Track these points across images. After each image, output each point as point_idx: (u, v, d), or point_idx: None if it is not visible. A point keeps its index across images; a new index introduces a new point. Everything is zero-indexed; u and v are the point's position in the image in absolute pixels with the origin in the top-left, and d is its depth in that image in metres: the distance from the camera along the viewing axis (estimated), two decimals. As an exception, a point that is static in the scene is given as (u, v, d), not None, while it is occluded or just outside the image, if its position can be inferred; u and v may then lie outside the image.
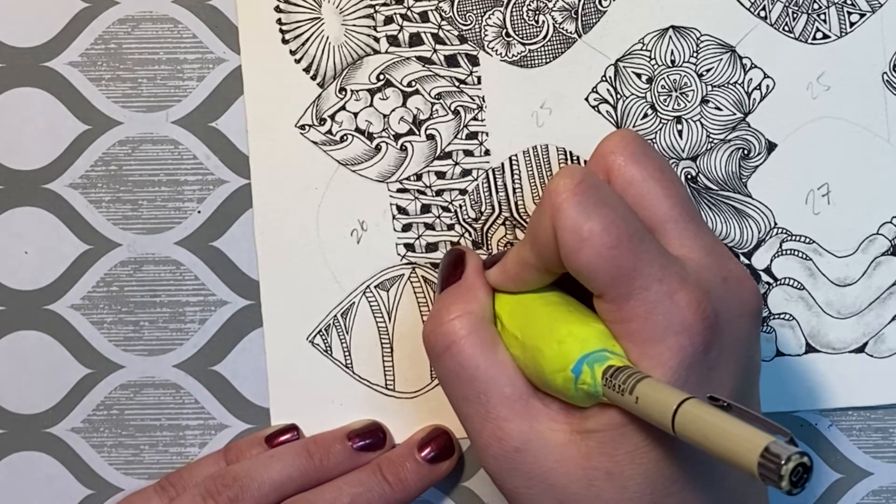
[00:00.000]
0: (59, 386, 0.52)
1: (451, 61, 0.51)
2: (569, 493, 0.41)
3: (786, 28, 0.51)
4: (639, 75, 0.51)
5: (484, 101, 0.51)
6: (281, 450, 0.49)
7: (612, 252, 0.39)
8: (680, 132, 0.51)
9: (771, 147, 0.51)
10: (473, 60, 0.51)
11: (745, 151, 0.51)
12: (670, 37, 0.51)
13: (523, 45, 0.51)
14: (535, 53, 0.51)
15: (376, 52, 0.51)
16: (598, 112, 0.51)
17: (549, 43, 0.51)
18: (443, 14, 0.51)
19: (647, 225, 0.41)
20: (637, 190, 0.42)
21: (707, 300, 0.40)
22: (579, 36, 0.51)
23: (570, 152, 0.51)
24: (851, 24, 0.50)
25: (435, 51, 0.51)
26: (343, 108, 0.51)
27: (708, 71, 0.51)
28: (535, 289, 0.44)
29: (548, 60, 0.51)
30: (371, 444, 0.50)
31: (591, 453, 0.40)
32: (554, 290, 0.44)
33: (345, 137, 0.51)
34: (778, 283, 0.51)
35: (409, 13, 0.51)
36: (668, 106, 0.51)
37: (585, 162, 0.51)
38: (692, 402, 0.35)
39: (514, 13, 0.51)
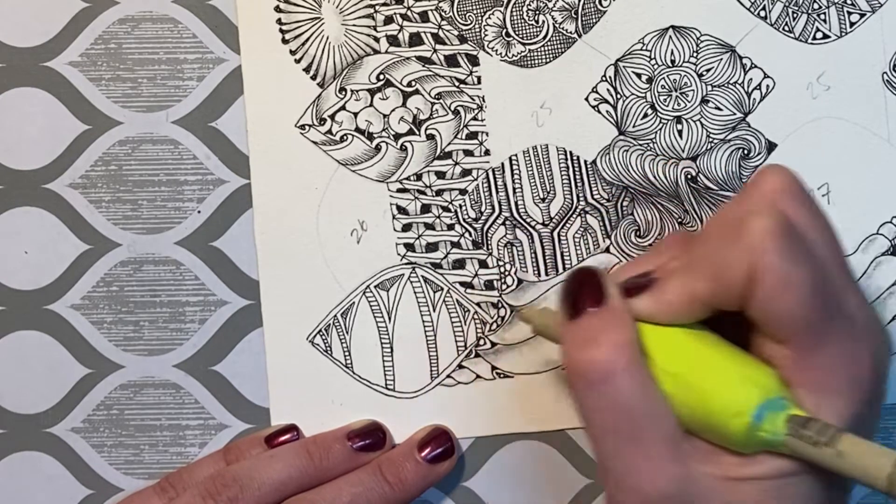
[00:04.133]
0: (59, 386, 0.52)
1: (451, 61, 0.51)
2: None
3: (786, 28, 0.51)
4: (639, 75, 0.51)
5: (484, 101, 0.51)
6: (281, 450, 0.49)
7: (814, 302, 0.38)
8: (680, 132, 0.51)
9: (771, 147, 0.51)
10: (473, 60, 0.51)
11: (745, 151, 0.51)
12: (670, 37, 0.51)
13: (523, 45, 0.51)
14: (535, 53, 0.51)
15: (376, 52, 0.51)
16: (598, 112, 0.51)
17: (549, 43, 0.51)
18: (443, 14, 0.51)
19: None
20: (805, 233, 0.40)
21: (873, 353, 0.40)
22: (579, 36, 0.51)
23: (570, 152, 0.51)
24: (851, 24, 0.50)
25: (435, 51, 0.51)
26: (343, 108, 0.51)
27: (708, 71, 0.51)
28: (684, 323, 0.41)
29: (548, 60, 0.51)
30: (371, 445, 0.50)
31: (748, 500, 0.39)
32: (702, 326, 0.41)
33: (345, 137, 0.51)
34: (778, 283, 0.51)
35: (409, 13, 0.51)
36: (668, 106, 0.51)
37: (581, 160, 0.51)
38: None
39: (514, 13, 0.51)
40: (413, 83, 0.51)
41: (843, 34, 0.50)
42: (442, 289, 0.51)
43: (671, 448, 0.40)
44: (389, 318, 0.51)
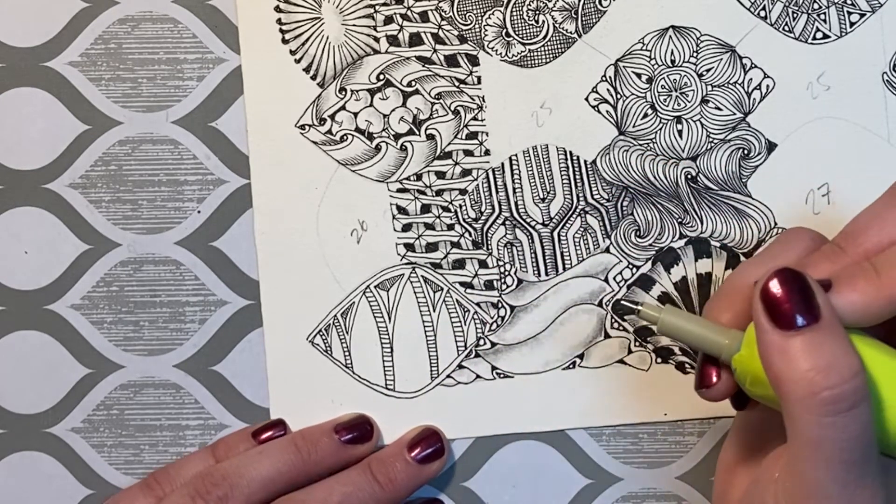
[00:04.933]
0: (59, 386, 0.52)
1: (451, 61, 0.51)
2: None
3: (786, 28, 0.51)
4: (639, 75, 0.51)
5: (484, 101, 0.51)
6: (269, 445, 0.49)
7: None
8: (680, 132, 0.51)
9: (771, 147, 0.51)
10: (473, 60, 0.51)
11: (745, 151, 0.51)
12: (670, 37, 0.51)
13: (523, 45, 0.51)
14: (535, 53, 0.51)
15: (376, 52, 0.51)
16: (598, 112, 0.51)
17: (549, 43, 0.51)
18: (443, 14, 0.51)
19: None
20: None
21: None
22: (579, 36, 0.51)
23: (570, 152, 0.51)
24: (851, 24, 0.50)
25: (435, 51, 0.51)
26: (343, 108, 0.51)
27: (708, 71, 0.51)
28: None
29: (548, 60, 0.51)
30: (358, 437, 0.50)
31: None
32: (864, 332, 0.40)
33: (345, 137, 0.51)
34: (778, 283, 0.51)
35: (409, 13, 0.51)
36: (668, 106, 0.51)
37: (581, 160, 0.51)
38: None
39: (514, 13, 0.51)
40: (413, 83, 0.51)
41: (843, 34, 0.50)
42: (442, 289, 0.51)
43: (884, 475, 0.39)
44: (389, 318, 0.51)
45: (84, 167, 0.51)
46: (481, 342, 0.51)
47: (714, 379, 0.42)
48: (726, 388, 0.42)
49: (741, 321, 0.41)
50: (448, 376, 0.51)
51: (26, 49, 0.51)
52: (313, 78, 0.51)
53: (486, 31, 0.51)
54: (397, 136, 0.51)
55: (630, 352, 0.51)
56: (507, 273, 0.51)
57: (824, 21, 0.50)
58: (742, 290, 0.41)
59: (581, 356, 0.51)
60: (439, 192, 0.51)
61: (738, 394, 0.43)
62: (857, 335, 0.39)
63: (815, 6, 0.50)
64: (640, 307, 0.42)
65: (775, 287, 0.39)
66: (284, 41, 0.51)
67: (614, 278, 0.51)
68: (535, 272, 0.51)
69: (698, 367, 0.42)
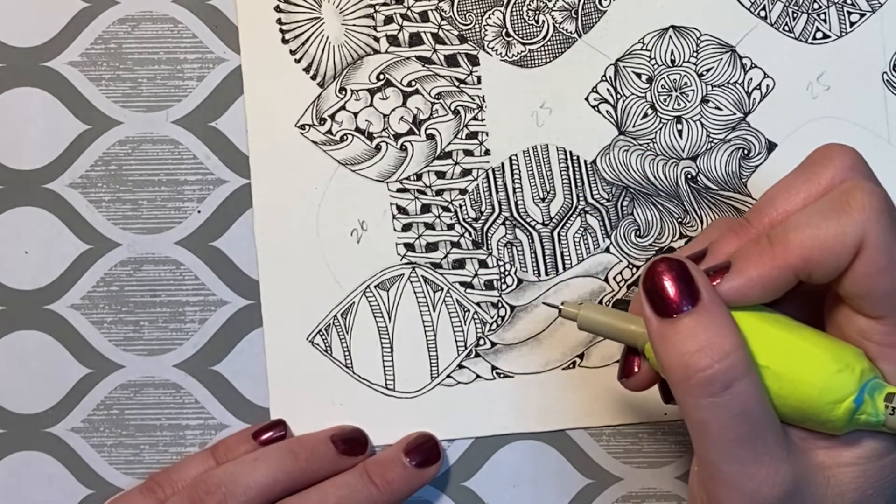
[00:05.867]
0: (59, 386, 0.52)
1: (451, 61, 0.51)
2: None
3: (786, 28, 0.51)
4: (639, 75, 0.51)
5: (484, 101, 0.51)
6: (265, 451, 0.49)
7: None
8: (680, 132, 0.51)
9: (771, 147, 0.51)
10: (473, 60, 0.51)
11: (745, 151, 0.51)
12: (670, 37, 0.51)
13: (523, 45, 0.51)
14: (535, 53, 0.51)
15: (376, 51, 0.51)
16: (598, 112, 0.51)
17: (549, 43, 0.51)
18: (443, 14, 0.51)
19: None
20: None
21: None
22: (579, 36, 0.51)
23: (570, 152, 0.51)
24: (851, 24, 0.50)
25: (435, 51, 0.51)
26: (343, 107, 0.51)
27: (708, 71, 0.51)
28: (758, 304, 0.40)
29: (548, 60, 0.51)
30: (353, 449, 0.50)
31: (849, 485, 0.40)
32: (769, 308, 0.41)
33: (345, 137, 0.51)
34: (778, 283, 0.51)
35: (409, 13, 0.51)
36: (668, 106, 0.51)
37: (581, 160, 0.51)
38: None
39: (514, 13, 0.51)
40: (413, 83, 0.51)
41: (843, 34, 0.50)
42: (442, 289, 0.51)
43: (783, 448, 0.39)
44: (389, 318, 0.51)
45: (84, 167, 0.51)
46: (481, 342, 0.51)
47: (635, 369, 0.43)
48: (645, 378, 0.43)
49: None
50: (448, 376, 0.51)
51: (26, 49, 0.51)
52: (313, 78, 0.51)
53: (486, 31, 0.51)
54: (397, 136, 0.51)
55: (630, 352, 0.51)
56: (507, 273, 0.51)
57: (824, 21, 0.50)
58: None
59: (581, 356, 0.51)
60: (439, 192, 0.51)
61: (665, 387, 0.43)
62: (758, 312, 0.40)
63: (815, 6, 0.50)
64: (560, 306, 0.43)
65: (654, 276, 0.40)
66: (284, 41, 0.51)
67: (614, 278, 0.51)
68: (535, 272, 0.51)
69: (621, 357, 0.44)
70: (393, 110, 0.51)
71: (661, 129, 0.51)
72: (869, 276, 0.38)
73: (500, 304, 0.51)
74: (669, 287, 0.39)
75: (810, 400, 0.39)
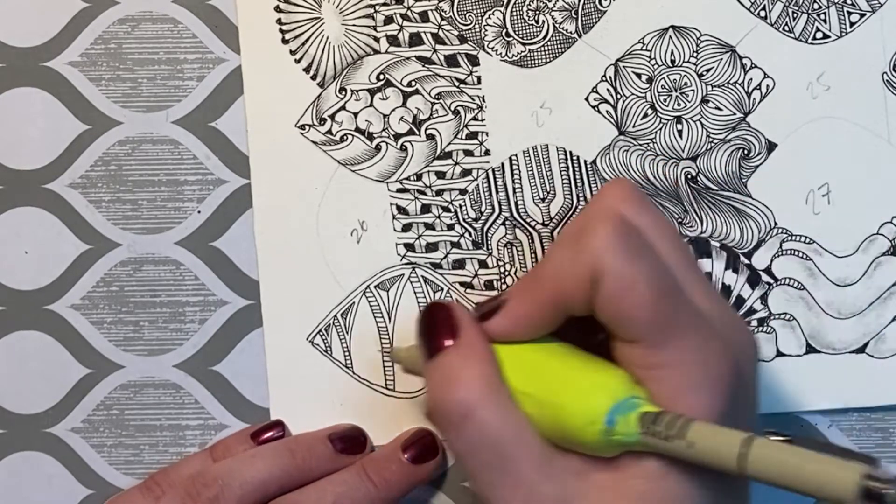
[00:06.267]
0: (59, 386, 0.52)
1: (451, 61, 0.51)
2: None
3: (786, 28, 0.51)
4: (639, 75, 0.51)
5: (484, 101, 0.51)
6: (263, 448, 0.49)
7: (656, 300, 0.39)
8: (680, 132, 0.51)
9: (771, 147, 0.51)
10: (473, 60, 0.51)
11: (745, 151, 0.51)
12: (670, 37, 0.51)
13: (523, 45, 0.51)
14: (535, 53, 0.51)
15: (376, 52, 0.51)
16: (598, 112, 0.51)
17: (549, 43, 0.51)
18: (443, 14, 0.51)
19: None
20: (651, 240, 0.41)
21: (731, 350, 0.40)
22: (579, 36, 0.51)
23: (570, 152, 0.51)
24: (851, 24, 0.50)
25: (435, 51, 0.51)
26: (343, 108, 0.51)
27: (708, 71, 0.51)
28: (535, 338, 0.42)
29: (548, 60, 0.51)
30: (351, 448, 0.50)
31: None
32: (552, 339, 0.42)
33: (345, 137, 0.51)
34: (778, 283, 0.51)
35: (409, 13, 0.51)
36: (668, 106, 0.51)
37: (581, 160, 0.51)
38: (760, 440, 0.35)
39: (514, 13, 0.51)
40: (413, 83, 0.51)
41: (843, 34, 0.50)
42: (442, 289, 0.51)
43: (542, 470, 0.40)
44: (389, 318, 0.51)
45: (84, 167, 0.51)
46: (481, 342, 0.51)
47: None
48: None
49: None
50: (448, 376, 0.51)
51: (26, 49, 0.51)
52: (313, 78, 0.51)
53: (486, 31, 0.51)
54: (397, 136, 0.51)
55: (630, 352, 0.51)
56: (507, 273, 0.51)
57: (824, 21, 0.51)
58: None
59: (581, 356, 0.51)
60: (439, 192, 0.51)
61: None
62: (535, 343, 0.42)
63: (815, 6, 0.50)
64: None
65: (421, 321, 0.43)
66: (284, 41, 0.51)
67: (614, 278, 0.51)
68: (535, 272, 0.51)
69: None
70: (393, 110, 0.51)
71: (661, 129, 0.51)
72: (610, 303, 0.39)
73: (500, 304, 0.51)
74: (432, 330, 0.43)
75: (566, 423, 0.39)
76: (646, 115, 0.51)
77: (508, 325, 0.42)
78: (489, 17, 0.51)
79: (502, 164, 0.51)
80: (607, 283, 0.39)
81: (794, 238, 0.51)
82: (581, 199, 0.51)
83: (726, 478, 0.37)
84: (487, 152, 0.51)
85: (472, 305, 0.51)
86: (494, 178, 0.51)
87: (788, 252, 0.51)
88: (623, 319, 0.39)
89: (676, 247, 0.42)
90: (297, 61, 0.51)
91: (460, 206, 0.51)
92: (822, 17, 0.50)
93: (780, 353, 0.51)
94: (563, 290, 0.40)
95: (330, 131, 0.51)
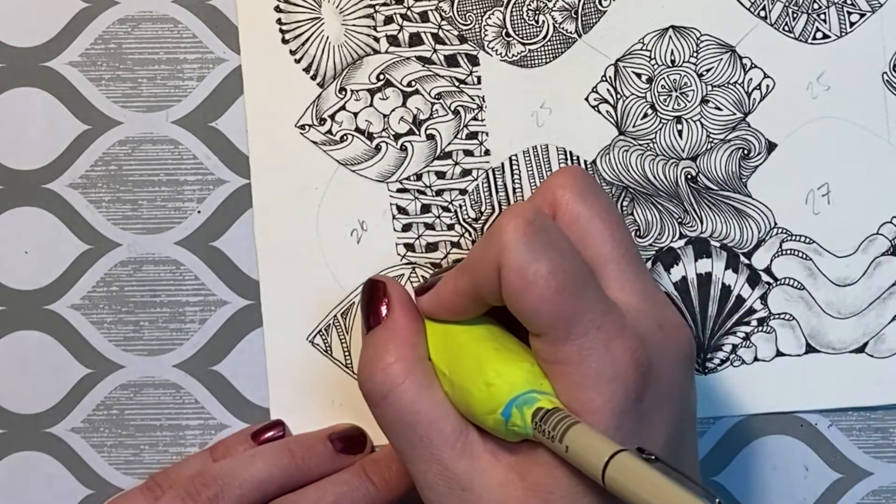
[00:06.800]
0: (59, 386, 0.52)
1: (451, 61, 0.51)
2: None
3: (786, 28, 0.51)
4: (639, 75, 0.51)
5: (484, 101, 0.51)
6: (262, 448, 0.49)
7: (556, 297, 0.39)
8: (680, 132, 0.51)
9: (771, 147, 0.51)
10: (473, 60, 0.51)
11: (745, 151, 0.51)
12: (670, 37, 0.51)
13: (523, 45, 0.51)
14: (535, 53, 0.51)
15: (376, 52, 0.51)
16: (598, 112, 0.51)
17: (549, 43, 0.51)
18: (443, 14, 0.51)
19: (588, 264, 0.41)
20: (583, 228, 0.42)
21: (642, 348, 0.40)
22: (579, 36, 0.51)
23: (570, 152, 0.51)
24: (851, 24, 0.50)
25: (435, 51, 0.51)
26: (343, 108, 0.51)
27: (708, 71, 0.51)
28: (467, 319, 0.43)
29: (548, 60, 0.51)
30: (351, 448, 0.50)
31: (527, 497, 0.40)
32: (485, 321, 0.43)
33: (345, 137, 0.51)
34: (778, 283, 0.51)
35: (409, 13, 0.51)
36: (668, 106, 0.51)
37: (581, 160, 0.51)
38: (624, 455, 0.36)
39: (514, 13, 0.51)
40: (413, 83, 0.51)
41: (843, 34, 0.50)
42: (442, 289, 0.51)
43: (455, 447, 0.41)
44: (389, 318, 0.51)
45: (84, 167, 0.51)
46: (481, 342, 0.51)
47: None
48: None
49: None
50: (448, 376, 0.51)
51: (26, 49, 0.51)
52: (313, 78, 0.51)
53: (486, 31, 0.51)
54: (397, 136, 0.51)
55: (630, 352, 0.51)
56: (507, 273, 0.51)
57: (824, 21, 0.50)
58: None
59: (581, 356, 0.51)
60: (439, 192, 0.51)
61: None
62: (468, 324, 0.43)
63: (815, 6, 0.50)
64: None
65: (361, 295, 0.46)
66: (284, 41, 0.51)
67: (614, 278, 0.51)
68: (535, 272, 0.51)
69: None
70: (393, 110, 0.51)
71: (661, 129, 0.51)
72: (511, 297, 0.39)
73: (500, 304, 0.51)
74: (368, 306, 0.45)
75: (472, 408, 0.41)
76: (646, 115, 0.51)
77: (434, 305, 0.44)
78: (489, 17, 0.51)
79: (502, 164, 0.51)
80: (507, 277, 0.39)
81: (793, 238, 0.51)
82: (581, 199, 0.51)
83: None
84: (487, 152, 0.51)
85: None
86: (494, 178, 0.51)
87: (788, 252, 0.51)
88: (524, 313, 0.40)
89: (611, 238, 0.42)
90: (297, 61, 0.51)
91: (460, 206, 0.51)
92: (822, 17, 0.50)
93: (779, 353, 0.51)
94: (477, 281, 0.41)
95: (330, 131, 0.51)
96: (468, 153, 0.51)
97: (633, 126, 0.51)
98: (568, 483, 0.39)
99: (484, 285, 0.41)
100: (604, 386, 0.39)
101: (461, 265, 0.43)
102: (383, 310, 0.44)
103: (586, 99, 0.51)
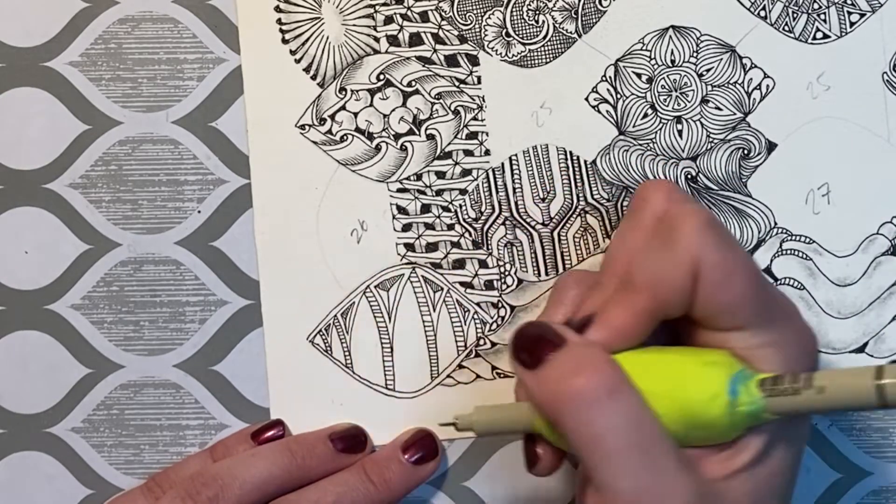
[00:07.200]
0: (59, 386, 0.52)
1: (451, 61, 0.51)
2: None
3: (786, 28, 0.51)
4: (639, 75, 0.51)
5: (484, 101, 0.51)
6: (263, 448, 0.49)
7: (757, 282, 0.40)
8: (680, 132, 0.51)
9: (771, 147, 0.51)
10: (473, 60, 0.51)
11: (745, 151, 0.51)
12: (670, 37, 0.51)
13: (523, 45, 0.51)
14: (535, 53, 0.51)
15: (376, 51, 0.51)
16: (598, 112, 0.51)
17: (549, 43, 0.51)
18: (443, 14, 0.51)
19: None
20: None
21: (813, 332, 0.42)
22: (579, 36, 0.51)
23: (570, 152, 0.51)
24: (851, 24, 0.50)
25: (435, 51, 0.51)
26: (343, 107, 0.51)
27: (708, 71, 0.51)
28: (633, 346, 0.41)
29: (548, 60, 0.51)
30: (352, 447, 0.50)
31: (745, 493, 0.40)
32: (644, 346, 0.42)
33: (345, 137, 0.51)
34: (778, 283, 0.51)
35: (409, 13, 0.51)
36: (668, 106, 0.51)
37: (581, 160, 0.51)
38: (889, 366, 0.36)
39: (514, 13, 0.51)
40: (413, 83, 0.51)
41: (843, 34, 0.50)
42: (442, 289, 0.51)
43: (681, 460, 0.39)
44: (389, 318, 0.51)
45: (84, 167, 0.51)
46: (481, 342, 0.51)
47: (537, 454, 0.43)
48: (550, 460, 0.43)
49: None
50: (448, 376, 0.51)
51: (26, 49, 0.51)
52: (313, 78, 0.51)
53: (486, 31, 0.51)
54: (397, 136, 0.51)
55: (630, 352, 0.51)
56: (507, 273, 0.51)
57: (824, 21, 0.50)
58: None
59: (581, 356, 0.51)
60: (439, 192, 0.51)
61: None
62: (632, 351, 0.41)
63: (815, 6, 0.50)
64: (456, 422, 0.44)
65: (518, 338, 0.41)
66: (284, 41, 0.51)
67: (614, 278, 0.51)
68: (536, 272, 0.51)
69: (524, 450, 0.44)
70: (393, 110, 0.51)
71: (661, 129, 0.51)
72: (713, 295, 0.40)
73: (500, 305, 0.51)
74: (534, 341, 0.41)
75: (689, 404, 0.39)
76: (646, 115, 0.51)
77: (606, 337, 0.41)
78: (489, 17, 0.51)
79: (502, 164, 0.51)
80: (707, 276, 0.39)
81: (793, 238, 0.51)
82: (581, 199, 0.51)
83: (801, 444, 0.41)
84: (487, 152, 0.51)
85: (476, 305, 0.51)
86: (494, 178, 0.51)
87: (788, 252, 0.51)
88: (726, 308, 0.40)
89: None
90: (297, 61, 0.51)
91: (460, 206, 0.51)
92: (822, 17, 0.50)
93: (779, 353, 0.51)
94: (659, 294, 0.40)
95: (330, 131, 0.51)
96: (468, 153, 0.51)
97: (633, 126, 0.51)
98: (783, 462, 0.41)
99: (672, 294, 0.40)
100: (805, 360, 0.41)
101: (626, 287, 0.41)
102: (554, 344, 0.40)
103: (586, 99, 0.51)
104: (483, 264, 0.51)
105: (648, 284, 0.40)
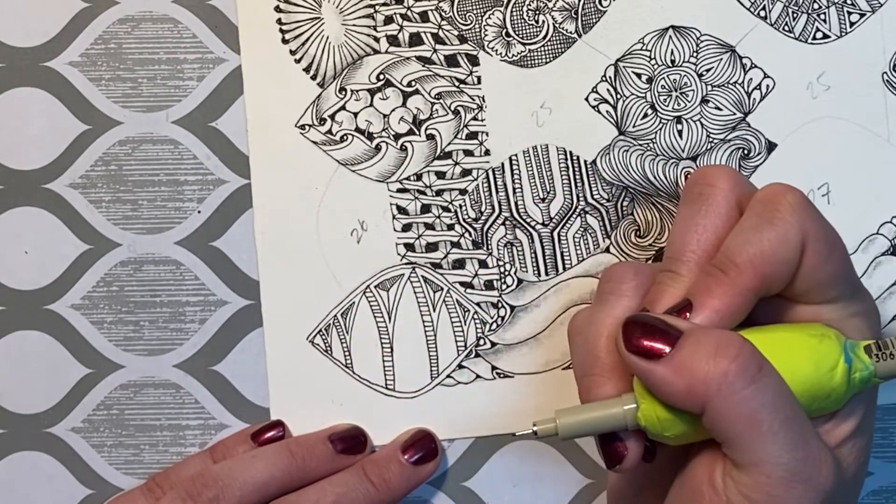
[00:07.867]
0: (59, 386, 0.52)
1: (451, 61, 0.51)
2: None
3: (786, 28, 0.51)
4: (639, 75, 0.51)
5: (484, 101, 0.51)
6: (263, 449, 0.49)
7: (847, 257, 0.42)
8: (680, 132, 0.51)
9: (771, 147, 0.51)
10: (473, 60, 0.51)
11: (745, 151, 0.51)
12: (670, 37, 0.51)
13: (523, 45, 0.51)
14: (535, 53, 0.51)
15: (376, 52, 0.51)
16: (598, 112, 0.51)
17: (549, 43, 0.51)
18: (443, 14, 0.51)
19: None
20: None
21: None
22: (579, 36, 0.51)
23: (570, 152, 0.51)
24: (851, 24, 0.50)
25: (435, 51, 0.51)
26: (343, 108, 0.51)
27: (708, 71, 0.51)
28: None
29: (548, 60, 0.51)
30: (351, 448, 0.50)
31: (858, 454, 0.42)
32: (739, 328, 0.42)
33: (345, 137, 0.51)
34: (778, 283, 0.51)
35: (409, 13, 0.51)
36: (668, 106, 0.51)
37: (581, 160, 0.51)
38: None
39: (514, 13, 0.51)
40: (413, 83, 0.51)
41: (843, 34, 0.50)
42: (442, 289, 0.51)
43: (817, 432, 0.41)
44: (389, 318, 0.51)
45: (84, 167, 0.51)
46: (481, 342, 0.51)
47: (623, 451, 0.42)
48: (636, 454, 0.43)
49: (622, 384, 0.42)
50: (448, 376, 0.51)
51: (26, 49, 0.51)
52: (313, 78, 0.51)
53: (486, 31, 0.51)
54: (397, 136, 0.51)
55: (630, 352, 0.51)
56: (507, 273, 0.51)
57: (824, 21, 0.50)
58: (604, 359, 0.42)
59: (581, 356, 0.51)
60: (439, 192, 0.51)
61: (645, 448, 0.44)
62: (743, 331, 0.41)
63: (815, 6, 0.50)
64: (535, 429, 0.43)
65: (631, 330, 0.40)
66: (284, 41, 0.51)
67: (614, 278, 0.51)
68: (535, 272, 0.51)
69: (601, 449, 0.43)
70: (393, 110, 0.51)
71: (661, 129, 0.51)
72: (817, 268, 0.41)
73: (500, 305, 0.51)
74: (653, 330, 0.40)
75: (810, 378, 0.41)
76: (646, 115, 0.51)
77: (712, 321, 0.41)
78: (489, 17, 0.51)
79: (502, 164, 0.51)
80: (814, 249, 0.40)
81: (794, 238, 0.51)
82: (581, 199, 0.51)
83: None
84: (487, 152, 0.51)
85: (476, 305, 0.51)
86: (494, 178, 0.51)
87: (788, 252, 0.51)
88: (826, 280, 0.41)
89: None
90: (297, 61, 0.51)
91: (460, 206, 0.51)
92: (822, 17, 0.50)
93: (780, 353, 0.51)
94: (766, 271, 0.40)
95: (330, 131, 0.51)
96: (468, 153, 0.51)
97: (633, 126, 0.51)
98: (868, 435, 0.43)
99: (779, 269, 0.40)
100: (878, 326, 0.43)
101: (724, 267, 0.41)
102: (676, 326, 0.40)
103: (586, 99, 0.51)
104: (483, 264, 0.51)
105: (753, 263, 0.40)
